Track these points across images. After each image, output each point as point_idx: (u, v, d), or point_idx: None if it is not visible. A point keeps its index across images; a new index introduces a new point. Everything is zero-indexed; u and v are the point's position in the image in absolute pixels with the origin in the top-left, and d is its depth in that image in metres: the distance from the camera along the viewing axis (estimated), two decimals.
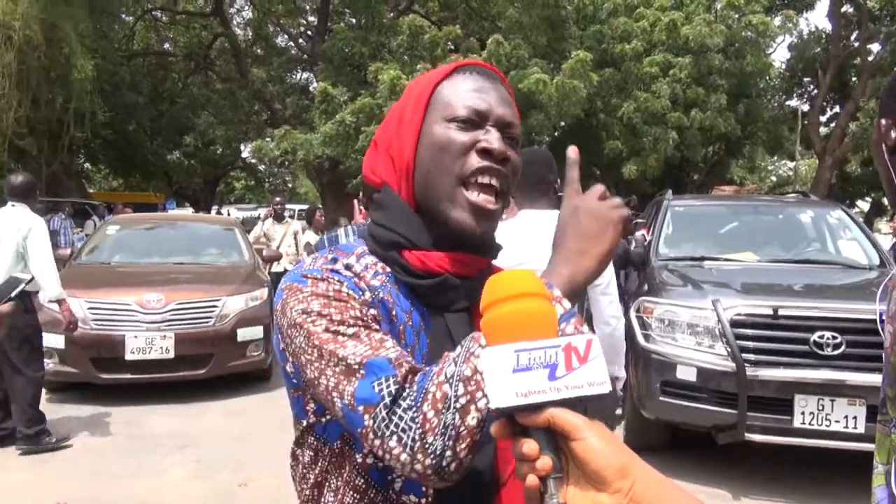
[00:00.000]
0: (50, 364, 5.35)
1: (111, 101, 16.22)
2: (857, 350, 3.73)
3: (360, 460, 0.84)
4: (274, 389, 5.93)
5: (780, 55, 51.98)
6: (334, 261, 0.87)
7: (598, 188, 0.90)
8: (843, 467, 4.01)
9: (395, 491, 0.83)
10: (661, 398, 4.16)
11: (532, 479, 0.61)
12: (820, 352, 3.80)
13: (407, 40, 14.59)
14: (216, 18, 19.98)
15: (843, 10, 19.17)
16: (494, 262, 0.98)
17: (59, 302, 4.59)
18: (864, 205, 25.64)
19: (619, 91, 15.62)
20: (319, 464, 0.89)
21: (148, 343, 5.51)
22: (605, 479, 0.60)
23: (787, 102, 23.39)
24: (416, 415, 0.72)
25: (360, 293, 0.83)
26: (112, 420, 5.20)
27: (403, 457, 0.72)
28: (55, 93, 13.13)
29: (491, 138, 0.86)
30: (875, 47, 18.87)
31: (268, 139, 16.60)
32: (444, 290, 0.87)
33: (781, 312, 3.91)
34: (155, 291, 5.72)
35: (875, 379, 2.60)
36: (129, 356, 5.47)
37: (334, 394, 0.77)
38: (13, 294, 1.78)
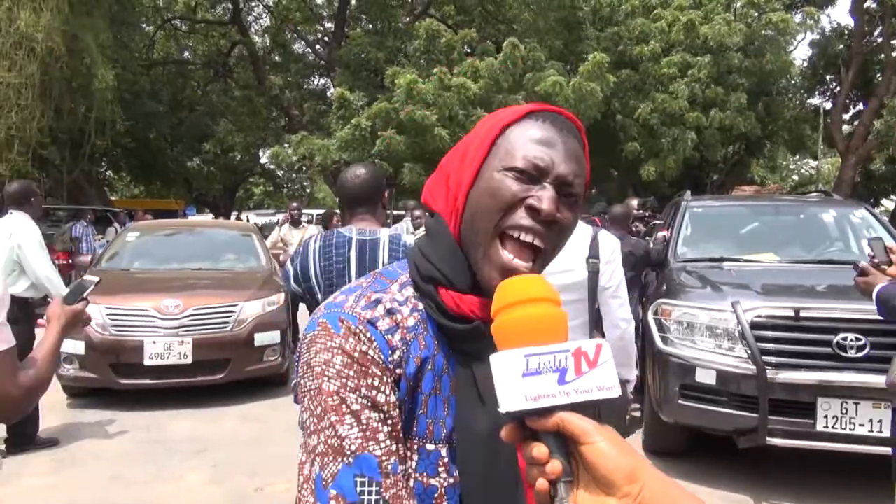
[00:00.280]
0: (70, 370, 5.42)
1: (132, 109, 16.46)
2: (882, 352, 3.62)
3: None
4: (290, 394, 5.92)
5: (801, 53, 51.50)
6: (376, 303, 0.84)
7: None
8: (867, 472, 3.92)
9: None
10: (679, 402, 4.10)
11: (542, 483, 0.62)
12: (843, 354, 3.72)
13: (424, 44, 14.62)
14: (234, 26, 20.24)
15: (865, 5, 18.87)
16: None
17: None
18: (889, 203, 25.18)
19: (637, 92, 15.52)
20: None
21: (166, 348, 5.55)
22: (614, 483, 0.61)
23: (809, 100, 23.07)
24: None
25: (389, 353, 0.80)
26: (131, 425, 5.24)
27: None
28: (77, 102, 13.35)
29: (544, 196, 0.81)
30: None
31: (285, 145, 16.73)
32: (474, 338, 0.83)
33: (803, 314, 3.82)
34: (173, 297, 5.77)
35: None
36: (147, 361, 5.52)
37: (316, 460, 0.76)
38: (85, 294, 1.83)
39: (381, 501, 0.73)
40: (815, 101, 23.17)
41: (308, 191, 38.14)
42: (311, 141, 14.31)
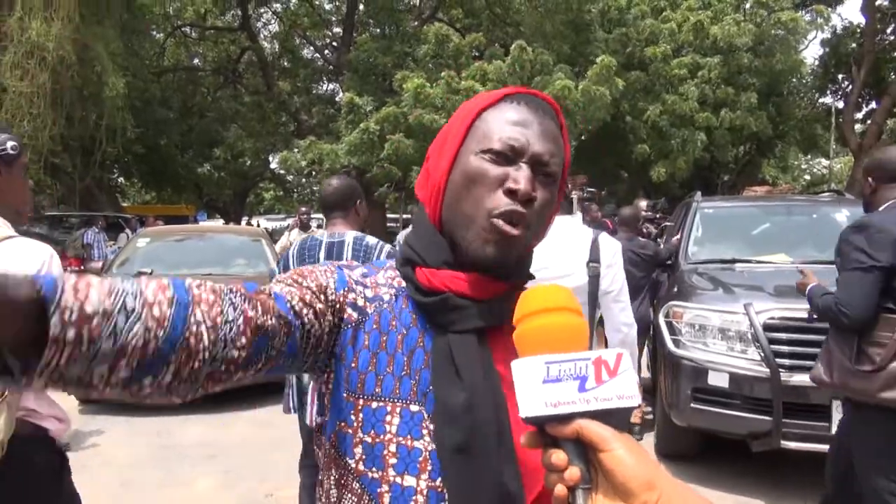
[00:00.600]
0: None
1: (142, 116, 16.57)
2: None
3: (353, 465, 0.85)
4: None
5: (812, 52, 51.17)
6: (359, 269, 0.94)
7: None
8: None
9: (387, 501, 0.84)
10: (692, 405, 4.06)
11: (560, 489, 0.63)
12: None
13: (433, 48, 14.64)
14: (244, 33, 20.35)
15: (877, 3, 18.69)
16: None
17: None
18: None
19: (647, 94, 15.45)
20: (323, 461, 0.91)
21: None
22: (632, 491, 0.61)
23: (821, 100, 22.89)
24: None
25: (342, 287, 0.88)
26: (141, 430, 5.26)
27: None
28: (88, 110, 13.45)
29: (519, 176, 0.84)
30: None
31: (294, 150, 16.79)
32: (444, 310, 0.86)
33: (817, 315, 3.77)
34: None
35: None
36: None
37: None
38: None
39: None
40: (827, 100, 22.99)
41: (318, 196, 38.23)
42: (319, 146, 14.35)
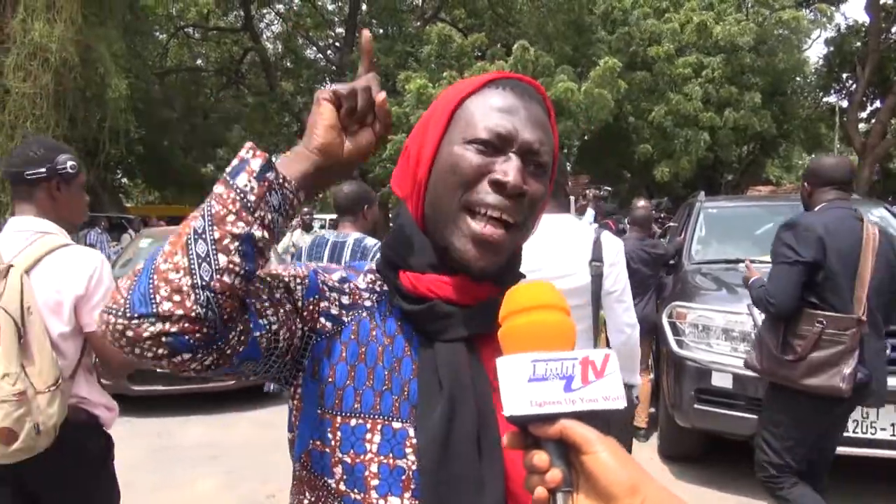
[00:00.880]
0: None
1: (145, 117, 16.60)
2: None
3: (333, 486, 0.80)
4: None
5: (817, 51, 51.10)
6: (337, 273, 0.87)
7: None
8: (889, 477, 3.84)
9: None
10: (696, 406, 4.03)
11: (541, 492, 0.61)
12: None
13: (435, 49, 14.63)
14: (246, 33, 20.38)
15: (882, 2, 18.62)
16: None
17: None
18: None
19: (650, 94, 15.42)
20: (293, 483, 0.86)
21: None
22: (615, 495, 0.60)
23: (825, 99, 22.81)
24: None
25: (313, 295, 0.82)
26: (143, 431, 5.25)
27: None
28: (91, 112, 13.46)
29: (508, 168, 0.77)
30: None
31: None
32: (432, 317, 0.80)
33: None
34: None
35: None
36: (160, 368, 5.51)
37: None
38: None
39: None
40: (831, 99, 22.92)
41: (320, 196, 38.26)
42: None
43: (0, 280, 1.78)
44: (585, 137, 16.54)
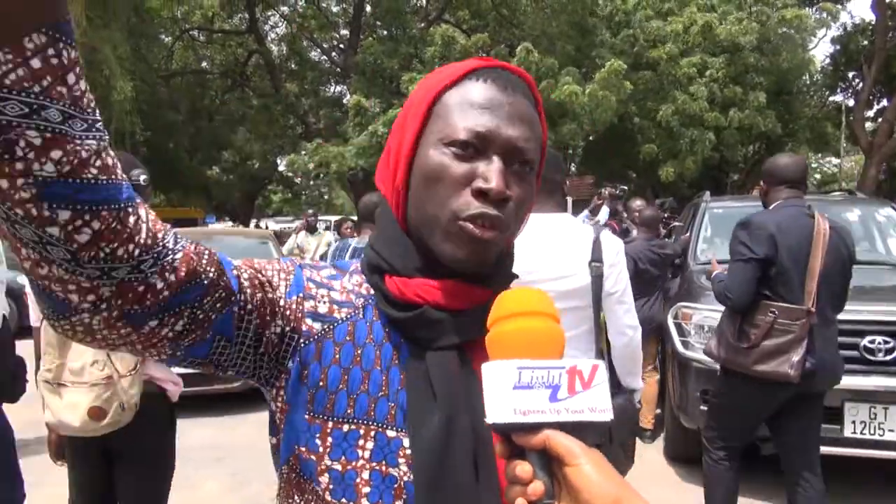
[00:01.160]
0: None
1: (150, 120, 16.65)
2: None
3: (321, 492, 0.77)
4: None
5: (823, 50, 50.89)
6: (325, 269, 0.85)
7: None
8: (893, 478, 3.80)
9: None
10: (702, 407, 4.01)
11: (522, 503, 0.60)
12: (871, 357, 3.62)
13: (439, 50, 14.63)
14: (251, 36, 20.41)
15: (888, 0, 18.53)
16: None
17: None
18: None
19: (655, 94, 15.38)
20: (282, 486, 0.83)
21: None
22: None
23: (831, 98, 22.71)
24: None
25: (296, 293, 0.78)
26: None
27: None
28: None
29: (490, 172, 0.72)
30: None
31: (302, 153, 16.83)
32: (422, 325, 0.76)
33: None
34: None
35: None
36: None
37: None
38: None
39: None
40: (838, 98, 22.81)
41: (326, 198, 38.33)
42: (325, 149, 14.38)
43: None
44: (590, 138, 16.50)
